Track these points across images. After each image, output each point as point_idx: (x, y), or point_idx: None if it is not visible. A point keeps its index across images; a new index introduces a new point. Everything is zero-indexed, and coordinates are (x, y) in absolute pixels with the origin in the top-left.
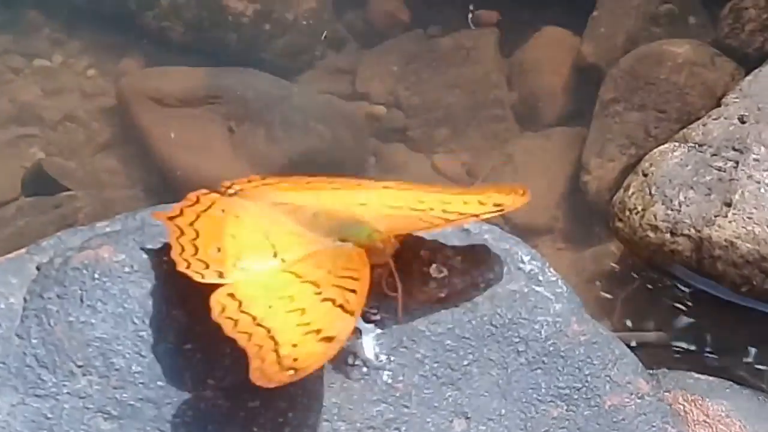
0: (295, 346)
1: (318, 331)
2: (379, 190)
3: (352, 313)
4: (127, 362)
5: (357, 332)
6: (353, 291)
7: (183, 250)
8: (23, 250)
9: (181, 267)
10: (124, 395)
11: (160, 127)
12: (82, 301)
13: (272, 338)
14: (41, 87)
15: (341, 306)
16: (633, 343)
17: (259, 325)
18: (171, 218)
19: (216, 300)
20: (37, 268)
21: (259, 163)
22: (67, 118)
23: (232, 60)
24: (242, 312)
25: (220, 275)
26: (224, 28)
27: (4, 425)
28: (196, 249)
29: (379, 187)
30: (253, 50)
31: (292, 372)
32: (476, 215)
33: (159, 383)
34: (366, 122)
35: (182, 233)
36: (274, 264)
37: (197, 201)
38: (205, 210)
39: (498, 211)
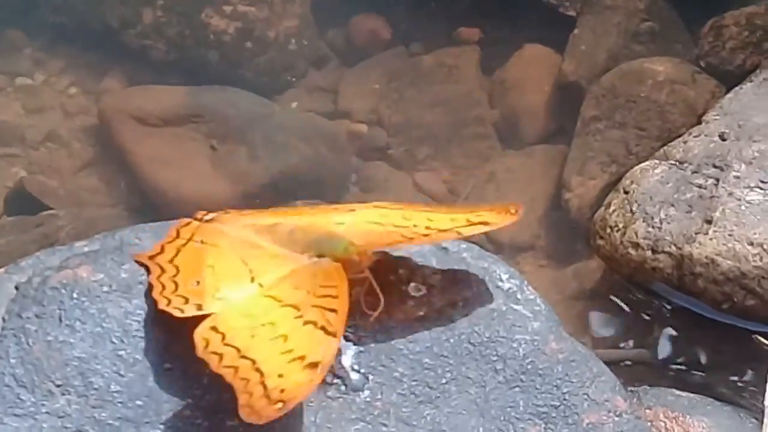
0: (281, 376)
1: (302, 358)
2: (367, 210)
3: (334, 335)
4: (106, 381)
5: (336, 351)
6: (333, 310)
7: (163, 288)
8: (2, 270)
9: (162, 305)
10: (103, 414)
11: (142, 146)
12: (60, 320)
13: (258, 370)
14: (23, 106)
15: (323, 328)
16: (613, 360)
17: (243, 357)
18: (152, 257)
19: (199, 336)
20: (16, 288)
21: (241, 181)
22: (48, 137)
23: (214, 78)
24: (226, 345)
25: (199, 308)
26: (206, 47)
27: None
28: (176, 285)
29: (370, 206)
30: (235, 68)
31: (280, 405)
32: (459, 233)
33: (138, 402)
34: (348, 140)
35: (163, 271)
36: (253, 290)
37: (177, 236)
38: (185, 243)
39: (484, 228)
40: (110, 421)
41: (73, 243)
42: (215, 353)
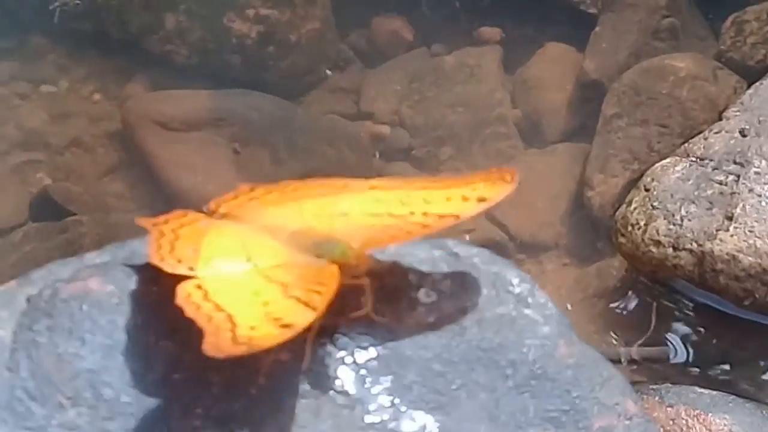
0: (252, 328)
1: (278, 319)
2: (365, 192)
3: (314, 309)
4: (116, 393)
5: (344, 360)
6: (319, 293)
7: (159, 247)
8: (13, 282)
9: (155, 260)
10: (114, 426)
11: (166, 151)
12: (70, 332)
13: (231, 321)
14: (47, 112)
15: (306, 303)
16: (635, 358)
17: (221, 310)
18: (155, 224)
19: (182, 287)
20: (27, 300)
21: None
22: (73, 143)
23: (237, 82)
24: (206, 300)
25: (191, 269)
26: (228, 51)
27: None
28: (172, 248)
29: (366, 187)
30: (257, 72)
31: (243, 348)
32: (457, 216)
33: (148, 413)
34: (370, 142)
35: (162, 235)
36: (246, 266)
37: (184, 215)
38: (191, 221)
39: (482, 205)
40: None
41: (84, 254)
42: (194, 303)
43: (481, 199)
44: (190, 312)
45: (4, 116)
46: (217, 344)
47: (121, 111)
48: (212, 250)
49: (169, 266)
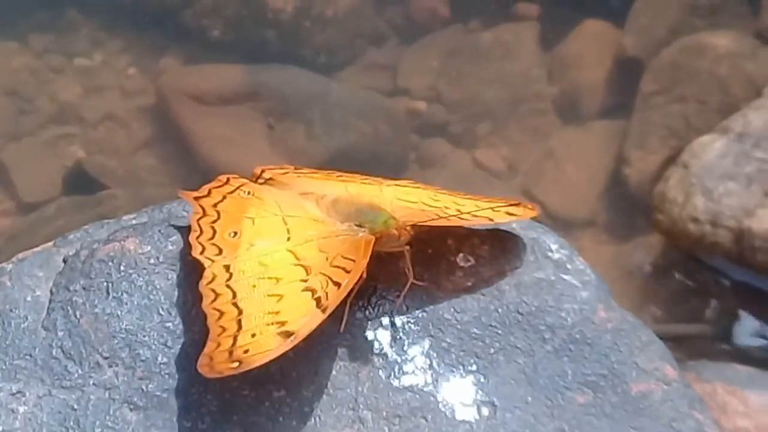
0: (253, 336)
1: (282, 323)
2: (393, 187)
3: (324, 310)
4: (153, 353)
5: (382, 322)
6: (338, 284)
7: (201, 232)
8: (50, 243)
9: (196, 252)
10: (150, 386)
11: (200, 125)
12: (107, 293)
13: (238, 322)
14: (82, 86)
15: (318, 299)
16: (673, 334)
17: (234, 304)
18: (197, 198)
19: (210, 270)
20: (64, 261)
21: (299, 159)
22: (107, 116)
23: (272, 57)
24: (227, 286)
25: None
26: (264, 26)
27: (30, 417)
28: (214, 232)
29: (392, 184)
30: (293, 47)
31: (236, 365)
32: (491, 219)
33: (185, 373)
34: (407, 118)
35: (204, 214)
36: (282, 244)
37: (226, 182)
38: (232, 191)
39: (510, 218)
40: (157, 393)
41: (121, 216)
42: (213, 291)
43: (510, 214)
44: (205, 303)
45: (38, 90)
46: (212, 359)
47: (156, 85)
48: (253, 230)
49: (209, 261)
